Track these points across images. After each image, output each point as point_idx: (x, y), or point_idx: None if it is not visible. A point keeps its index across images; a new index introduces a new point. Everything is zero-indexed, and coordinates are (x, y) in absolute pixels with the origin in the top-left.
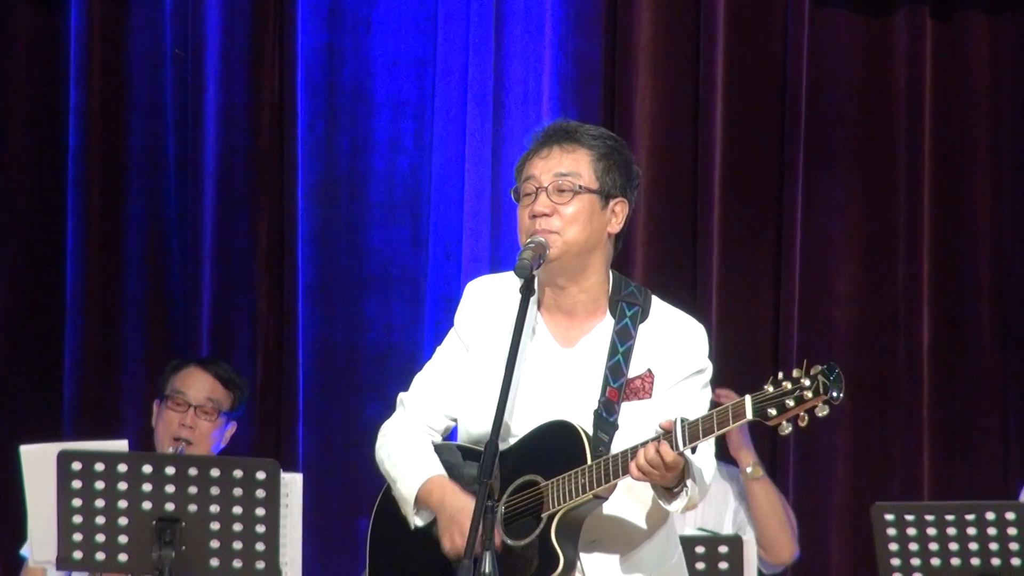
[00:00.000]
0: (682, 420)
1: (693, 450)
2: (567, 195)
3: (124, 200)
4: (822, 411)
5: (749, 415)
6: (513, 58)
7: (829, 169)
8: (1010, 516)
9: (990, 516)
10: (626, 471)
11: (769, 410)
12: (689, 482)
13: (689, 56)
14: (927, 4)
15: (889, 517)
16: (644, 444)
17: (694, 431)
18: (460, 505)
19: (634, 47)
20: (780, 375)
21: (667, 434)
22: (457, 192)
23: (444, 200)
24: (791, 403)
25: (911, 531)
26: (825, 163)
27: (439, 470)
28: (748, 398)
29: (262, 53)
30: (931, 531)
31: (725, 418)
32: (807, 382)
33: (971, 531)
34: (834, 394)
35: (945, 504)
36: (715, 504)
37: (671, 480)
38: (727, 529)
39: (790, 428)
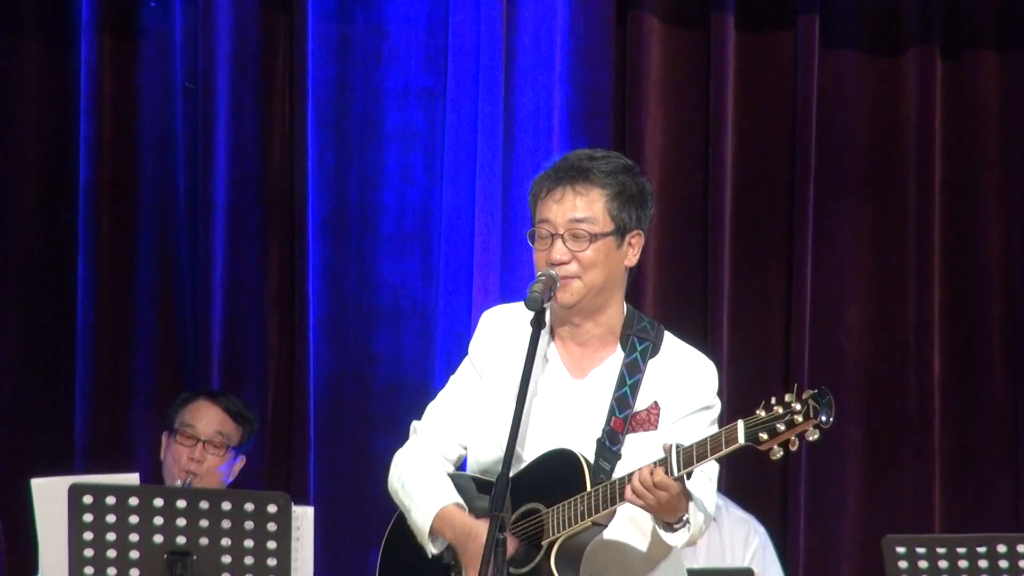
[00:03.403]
0: (677, 446)
1: (688, 475)
2: (582, 242)
3: (135, 233)
4: (812, 435)
5: (741, 440)
6: (523, 91)
7: (840, 202)
8: (1022, 549)
9: (1002, 548)
10: (623, 498)
11: (760, 434)
12: (692, 512)
13: (699, 89)
14: (937, 43)
15: (900, 549)
16: (639, 469)
17: (688, 456)
18: (476, 526)
19: (644, 81)
20: (772, 400)
21: (663, 459)
22: (467, 224)
23: (454, 232)
24: (782, 427)
25: (922, 564)
26: (836, 196)
27: (453, 497)
28: (740, 423)
29: (272, 85)
30: (942, 564)
31: (718, 444)
32: (798, 406)
33: (982, 564)
34: (823, 418)
35: (956, 537)
36: (731, 543)
37: (668, 510)
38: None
39: (781, 453)
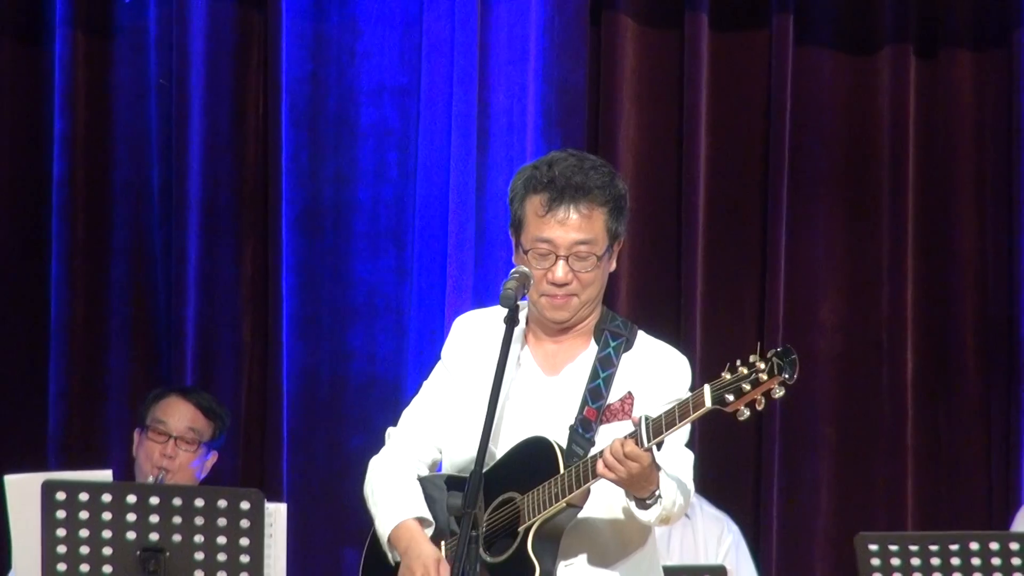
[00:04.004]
0: (645, 417)
1: (659, 446)
2: (586, 263)
3: (108, 230)
4: (777, 393)
5: (708, 404)
6: (497, 88)
7: (813, 200)
8: (994, 546)
9: (974, 546)
10: (596, 475)
11: (727, 396)
12: (662, 484)
13: (673, 88)
14: (911, 42)
15: (873, 547)
16: (611, 443)
17: (657, 426)
18: (421, 553)
19: (618, 78)
20: (738, 362)
21: (633, 432)
22: (441, 222)
23: (428, 230)
24: (747, 387)
25: (895, 561)
26: (809, 194)
27: (414, 511)
28: (707, 387)
29: (246, 83)
30: (915, 561)
31: (686, 409)
32: (762, 365)
33: (955, 561)
34: (786, 375)
35: (929, 534)
36: (704, 541)
37: (640, 484)
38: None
39: (748, 413)
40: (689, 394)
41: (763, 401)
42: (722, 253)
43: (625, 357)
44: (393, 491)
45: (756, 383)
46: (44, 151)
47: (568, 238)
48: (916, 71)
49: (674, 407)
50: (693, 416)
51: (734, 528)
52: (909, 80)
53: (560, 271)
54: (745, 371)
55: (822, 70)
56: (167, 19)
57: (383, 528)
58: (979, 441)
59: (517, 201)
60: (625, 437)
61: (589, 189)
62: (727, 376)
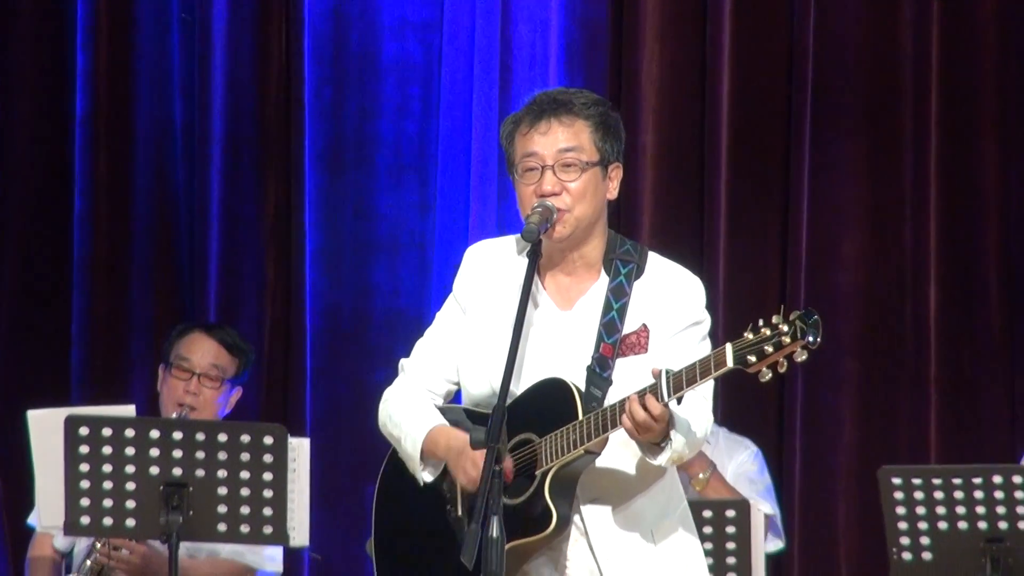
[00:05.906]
0: (666, 371)
1: (679, 400)
2: (573, 171)
3: (131, 166)
4: (800, 356)
5: (730, 363)
6: (520, 23)
7: (836, 135)
8: (1017, 479)
9: (997, 479)
10: (615, 425)
11: (749, 357)
12: (672, 433)
13: (696, 21)
14: None
15: (896, 480)
16: (630, 397)
17: (678, 382)
18: (465, 439)
19: (641, 12)
20: (760, 322)
21: (653, 385)
22: (464, 157)
23: (451, 165)
24: (770, 349)
25: (918, 494)
26: (832, 129)
27: (441, 420)
28: (728, 346)
29: (269, 18)
30: (938, 494)
31: (707, 367)
32: (785, 328)
33: (978, 494)
34: (810, 338)
35: (952, 468)
36: (725, 453)
37: (657, 435)
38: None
39: (770, 375)
40: (711, 352)
41: (785, 364)
42: (745, 188)
43: (637, 285)
44: (412, 410)
45: (779, 346)
46: (67, 87)
47: (553, 146)
48: (939, 8)
49: (695, 364)
50: (715, 374)
51: (753, 447)
52: (932, 16)
53: (548, 183)
54: (768, 332)
55: (845, 6)
56: None
57: (412, 444)
58: (1002, 373)
59: (506, 140)
60: (646, 391)
61: (571, 103)
62: (749, 336)
